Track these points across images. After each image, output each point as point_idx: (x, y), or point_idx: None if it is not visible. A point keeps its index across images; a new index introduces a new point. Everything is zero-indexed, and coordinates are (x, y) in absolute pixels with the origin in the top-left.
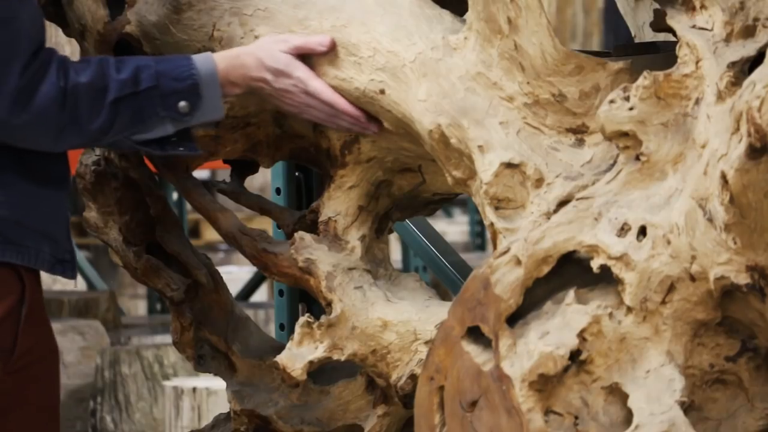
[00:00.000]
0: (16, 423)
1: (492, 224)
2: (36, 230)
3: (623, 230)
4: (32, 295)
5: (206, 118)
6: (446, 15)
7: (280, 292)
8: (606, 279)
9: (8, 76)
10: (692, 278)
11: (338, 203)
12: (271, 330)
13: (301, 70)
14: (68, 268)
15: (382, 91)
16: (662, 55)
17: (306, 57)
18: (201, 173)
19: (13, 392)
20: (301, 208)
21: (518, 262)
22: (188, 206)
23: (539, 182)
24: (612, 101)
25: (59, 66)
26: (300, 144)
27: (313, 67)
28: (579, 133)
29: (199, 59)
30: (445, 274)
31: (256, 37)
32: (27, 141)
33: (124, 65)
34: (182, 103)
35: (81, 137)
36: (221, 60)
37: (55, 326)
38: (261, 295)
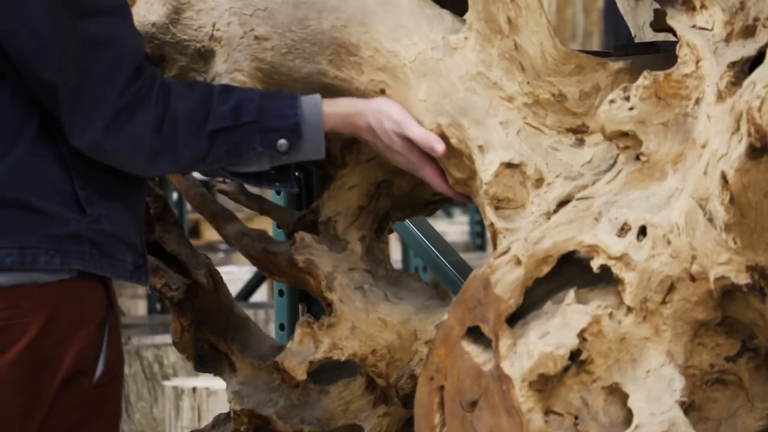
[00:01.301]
0: None
1: (492, 224)
2: (125, 242)
3: (623, 230)
4: (115, 311)
5: (306, 156)
6: (446, 15)
7: (280, 292)
8: (606, 279)
9: (106, 99)
10: (692, 278)
11: (338, 203)
12: (271, 330)
13: (412, 154)
14: (143, 273)
15: (383, 91)
16: (662, 55)
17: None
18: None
19: (96, 405)
20: (301, 208)
21: (518, 262)
22: (188, 206)
23: (539, 182)
24: (612, 101)
25: (160, 90)
26: None
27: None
28: (579, 133)
29: (307, 100)
30: (445, 274)
31: (257, 38)
32: (120, 164)
33: (229, 96)
34: (281, 141)
35: (175, 164)
36: (332, 113)
37: None
38: (261, 295)
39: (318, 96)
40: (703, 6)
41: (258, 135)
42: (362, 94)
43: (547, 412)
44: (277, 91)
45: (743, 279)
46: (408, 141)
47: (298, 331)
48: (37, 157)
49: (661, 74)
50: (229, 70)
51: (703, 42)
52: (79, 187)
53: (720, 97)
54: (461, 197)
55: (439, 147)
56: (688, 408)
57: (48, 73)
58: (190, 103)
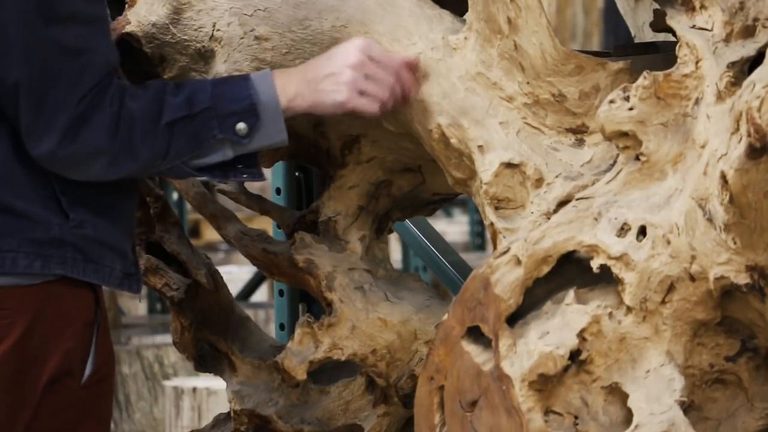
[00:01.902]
0: None
1: (492, 224)
2: (112, 248)
3: (623, 230)
4: (103, 312)
5: (268, 141)
6: (446, 15)
7: (280, 292)
8: (606, 279)
9: (65, 107)
10: (692, 278)
11: (338, 203)
12: (271, 330)
13: (360, 40)
14: (134, 281)
15: None
16: (662, 55)
17: None
18: None
19: (85, 406)
20: (301, 208)
21: (518, 262)
22: (188, 206)
23: (539, 182)
24: (612, 101)
25: (114, 92)
26: (300, 144)
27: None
28: (579, 133)
29: (258, 78)
30: (445, 274)
31: (257, 38)
32: (78, 171)
33: (181, 89)
34: (240, 125)
35: (135, 163)
36: (284, 79)
37: None
38: (261, 295)
39: (268, 71)
40: (702, 6)
41: (215, 121)
42: None
43: (547, 411)
44: (229, 76)
45: (743, 279)
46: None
47: (298, 331)
48: (18, 161)
49: (660, 74)
50: (229, 70)
51: (702, 42)
52: (60, 192)
53: (720, 97)
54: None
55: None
56: (687, 408)
57: (11, 76)
58: (144, 99)
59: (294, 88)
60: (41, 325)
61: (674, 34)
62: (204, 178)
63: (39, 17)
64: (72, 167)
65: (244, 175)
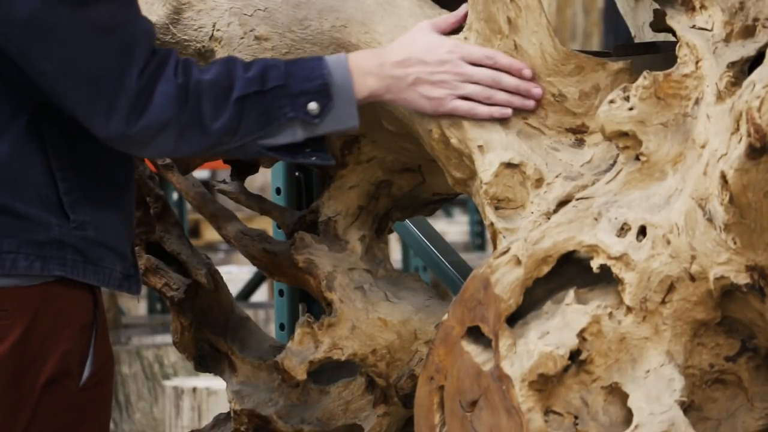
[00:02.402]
0: None
1: (492, 224)
2: (112, 249)
3: (623, 230)
4: (102, 314)
5: (339, 125)
6: (446, 15)
7: (280, 292)
8: (606, 279)
9: (124, 84)
10: (692, 278)
11: (338, 203)
12: (271, 330)
13: (450, 39)
14: (133, 283)
15: None
16: (662, 55)
17: None
18: (201, 173)
19: (84, 408)
20: (301, 208)
21: (518, 262)
22: (188, 206)
23: (539, 182)
24: (612, 101)
25: (177, 64)
26: None
27: None
28: (579, 133)
29: (333, 60)
30: (445, 274)
31: (257, 38)
32: (148, 147)
33: (253, 65)
34: (312, 105)
35: (204, 138)
36: (360, 60)
37: None
38: (261, 295)
39: (344, 55)
40: (702, 6)
41: (287, 100)
42: None
43: (547, 411)
44: (304, 57)
45: (743, 279)
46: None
47: (298, 331)
48: (21, 161)
49: (660, 74)
50: None
51: (702, 42)
52: (63, 192)
53: (720, 97)
54: None
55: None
56: (687, 408)
57: (52, 67)
58: (214, 73)
59: (374, 81)
60: (40, 326)
61: (674, 34)
62: (274, 156)
63: (65, 3)
64: (142, 144)
65: (313, 158)
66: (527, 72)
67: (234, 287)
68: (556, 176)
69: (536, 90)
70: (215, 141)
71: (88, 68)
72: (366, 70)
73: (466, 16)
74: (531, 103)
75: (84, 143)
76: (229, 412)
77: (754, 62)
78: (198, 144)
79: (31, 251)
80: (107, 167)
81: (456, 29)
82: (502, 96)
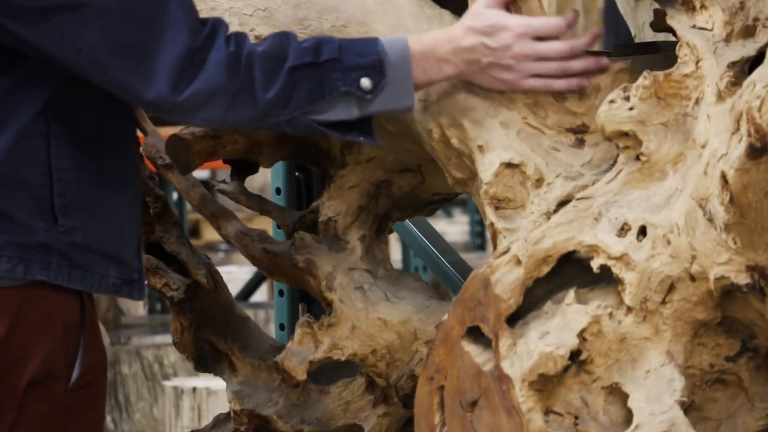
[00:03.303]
0: None
1: (492, 224)
2: (105, 255)
3: (623, 230)
4: (91, 312)
5: (393, 103)
6: (446, 15)
7: (280, 292)
8: (606, 279)
9: (170, 51)
10: (692, 278)
11: (338, 203)
12: (271, 330)
13: (514, 17)
14: (135, 289)
15: None
16: (662, 55)
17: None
18: (201, 173)
19: (74, 410)
20: (301, 208)
21: (518, 262)
22: (188, 206)
23: (539, 182)
24: (612, 101)
25: (231, 34)
26: (300, 144)
27: None
28: (579, 133)
29: (389, 38)
30: (445, 274)
31: (257, 38)
32: (198, 115)
33: (307, 40)
34: (365, 80)
35: (255, 108)
36: (418, 40)
37: None
38: (261, 295)
39: (404, 36)
40: (703, 6)
41: (340, 73)
42: None
43: (547, 412)
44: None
45: (743, 279)
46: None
47: (298, 331)
48: (21, 158)
49: (661, 74)
50: None
51: (703, 42)
52: (57, 194)
53: (720, 97)
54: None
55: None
56: (688, 408)
57: (91, 38)
58: (267, 44)
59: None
60: (22, 327)
61: (674, 34)
62: (325, 132)
63: None
64: (191, 111)
65: (362, 138)
66: (589, 39)
67: (234, 287)
68: (557, 176)
69: (604, 61)
70: (266, 112)
71: (131, 34)
72: (441, 57)
73: None
74: (607, 63)
75: (91, 145)
76: (229, 412)
77: (754, 62)
78: (248, 114)
79: (14, 254)
80: (112, 172)
81: None
82: (577, 65)
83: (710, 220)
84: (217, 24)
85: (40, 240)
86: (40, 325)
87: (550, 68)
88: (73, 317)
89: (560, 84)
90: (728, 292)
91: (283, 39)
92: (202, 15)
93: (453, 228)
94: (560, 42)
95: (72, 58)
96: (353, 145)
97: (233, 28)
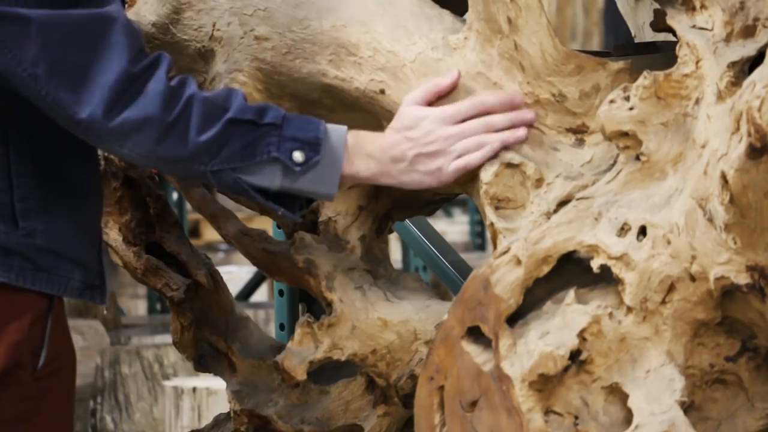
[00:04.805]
0: (36, 430)
1: (492, 224)
2: (69, 258)
3: (623, 230)
4: (58, 308)
5: (318, 186)
6: (446, 15)
7: (280, 292)
8: (606, 279)
9: (108, 76)
10: (692, 278)
11: (338, 203)
12: (271, 330)
13: (432, 108)
14: (97, 293)
15: (382, 91)
16: (662, 55)
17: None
18: None
19: (37, 398)
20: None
21: (518, 262)
22: (188, 206)
23: (539, 182)
24: (612, 101)
25: (169, 67)
26: None
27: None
28: (579, 133)
29: (333, 126)
30: (445, 274)
31: (257, 38)
32: (126, 143)
33: (256, 102)
34: (298, 153)
35: (185, 148)
36: (354, 134)
37: None
38: (261, 295)
39: (345, 127)
40: (703, 6)
41: (276, 139)
42: (362, 94)
43: (547, 412)
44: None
45: (743, 279)
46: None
47: (298, 331)
48: None
49: (661, 74)
50: (229, 70)
51: (703, 42)
52: (18, 199)
53: (720, 97)
54: None
55: (443, 80)
56: (688, 408)
57: (32, 57)
58: (213, 93)
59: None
60: None
61: (674, 33)
62: (244, 195)
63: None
64: (119, 138)
65: (282, 208)
66: (517, 99)
67: (234, 287)
68: (557, 176)
69: (529, 116)
70: (194, 155)
71: (72, 52)
72: (368, 153)
73: (452, 83)
74: (523, 134)
75: (50, 151)
76: (229, 412)
77: (754, 62)
78: (176, 151)
79: None
80: (72, 177)
81: (443, 95)
82: (494, 138)
83: (710, 220)
84: (162, 58)
85: (1, 243)
86: (4, 317)
87: (470, 145)
88: (40, 308)
89: (477, 157)
90: (728, 292)
91: (233, 94)
92: (202, 15)
93: (453, 228)
94: (477, 120)
95: (12, 70)
96: None
97: (233, 28)
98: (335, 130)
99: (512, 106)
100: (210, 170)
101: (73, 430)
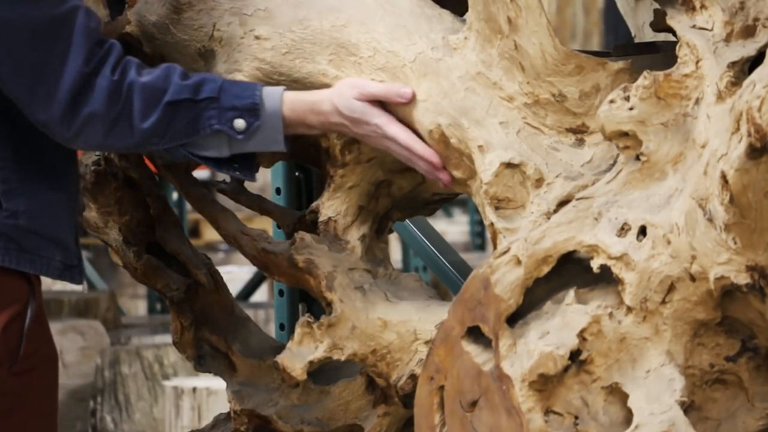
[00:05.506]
0: (16, 426)
1: (492, 224)
2: (50, 239)
3: (623, 230)
4: (38, 301)
5: (264, 146)
6: (446, 15)
7: (280, 292)
8: (606, 279)
9: (64, 74)
10: (692, 278)
11: (338, 203)
12: (271, 330)
13: (377, 117)
14: (76, 273)
15: None
16: (662, 55)
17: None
18: (201, 173)
19: (15, 394)
20: (301, 208)
21: (518, 262)
22: (188, 206)
23: (539, 182)
24: (612, 101)
25: (117, 61)
26: (300, 144)
27: (315, 70)
28: (579, 133)
29: (269, 89)
30: (445, 274)
31: (257, 37)
32: (79, 138)
33: (191, 75)
34: (239, 121)
35: (132, 136)
36: (296, 100)
37: (55, 326)
38: (261, 295)
39: (281, 87)
40: (703, 6)
41: (216, 112)
42: None
43: (547, 411)
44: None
45: (743, 279)
46: (378, 108)
47: (298, 331)
48: None
49: (661, 74)
50: (229, 70)
51: (703, 42)
52: (0, 180)
53: (720, 97)
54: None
55: (406, 91)
56: (688, 408)
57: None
58: (152, 76)
59: (301, 110)
60: None
61: (674, 34)
62: (199, 163)
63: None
64: (73, 134)
65: (237, 173)
66: (435, 160)
67: (234, 287)
68: (557, 176)
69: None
70: (143, 140)
71: (34, 54)
72: (308, 123)
73: (409, 99)
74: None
75: (29, 137)
76: (229, 412)
77: (754, 62)
78: (126, 140)
79: None
80: (50, 160)
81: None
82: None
83: (710, 220)
84: (111, 48)
85: None
86: None
87: (401, 157)
88: (19, 304)
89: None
90: (728, 292)
91: (168, 73)
92: (202, 15)
93: (453, 228)
94: (404, 149)
95: None
96: (353, 145)
97: (233, 28)
98: (271, 94)
99: (432, 172)
100: (162, 148)
101: (56, 428)
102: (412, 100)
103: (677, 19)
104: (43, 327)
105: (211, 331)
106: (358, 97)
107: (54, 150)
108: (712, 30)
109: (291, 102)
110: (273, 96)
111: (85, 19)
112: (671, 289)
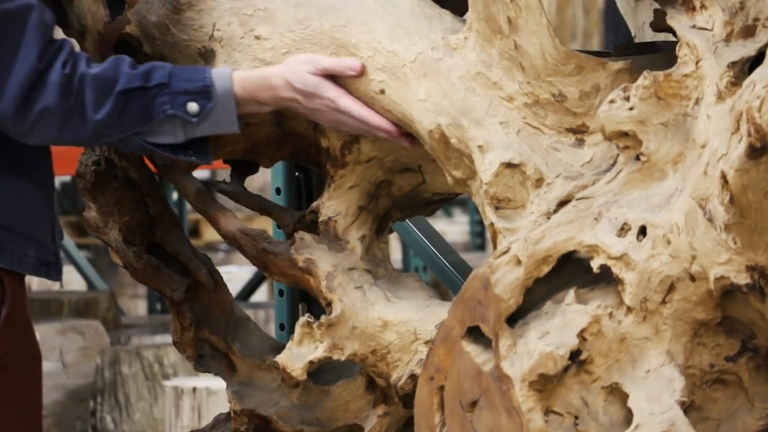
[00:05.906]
0: None
1: (492, 224)
2: (21, 233)
3: (623, 230)
4: (13, 298)
5: (218, 128)
6: (446, 15)
7: (280, 292)
8: (606, 279)
9: (15, 72)
10: (692, 278)
11: (338, 203)
12: (271, 330)
13: (330, 91)
14: (53, 270)
15: (382, 91)
16: (662, 55)
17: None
18: (201, 173)
19: None
20: (301, 208)
21: (518, 262)
22: (188, 206)
23: (539, 182)
24: (612, 101)
25: (69, 56)
26: (300, 144)
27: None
28: (579, 133)
29: (217, 70)
30: (445, 274)
31: (257, 37)
32: (32, 133)
33: (141, 65)
34: (192, 105)
35: (86, 128)
36: (246, 78)
37: (55, 326)
38: (261, 295)
39: (230, 68)
40: (703, 6)
41: (168, 97)
42: (362, 94)
43: (547, 412)
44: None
45: (743, 279)
46: (330, 82)
47: (298, 331)
48: None
49: (661, 74)
50: None
51: (703, 42)
52: None
53: (720, 97)
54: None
55: (356, 63)
56: (688, 408)
57: None
58: (101, 67)
59: (252, 87)
60: None
61: (674, 34)
62: (155, 152)
63: None
64: (27, 129)
65: (192, 158)
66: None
67: (234, 287)
68: (557, 176)
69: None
70: (97, 131)
71: None
72: (260, 100)
73: (360, 71)
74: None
75: None
76: (229, 412)
77: (754, 62)
78: (81, 133)
79: None
80: (21, 156)
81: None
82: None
83: (710, 220)
84: (63, 45)
85: None
86: None
87: (356, 130)
88: None
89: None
90: (728, 292)
91: (118, 63)
92: (202, 15)
93: (453, 228)
94: (359, 121)
95: None
96: (353, 145)
97: (233, 28)
98: (221, 75)
99: (393, 138)
100: (116, 139)
101: (39, 426)
102: (362, 72)
103: (677, 19)
104: (21, 325)
105: (210, 331)
106: (312, 71)
107: (21, 144)
108: (712, 30)
109: (241, 80)
110: (223, 77)
111: (39, 15)
112: (671, 289)
